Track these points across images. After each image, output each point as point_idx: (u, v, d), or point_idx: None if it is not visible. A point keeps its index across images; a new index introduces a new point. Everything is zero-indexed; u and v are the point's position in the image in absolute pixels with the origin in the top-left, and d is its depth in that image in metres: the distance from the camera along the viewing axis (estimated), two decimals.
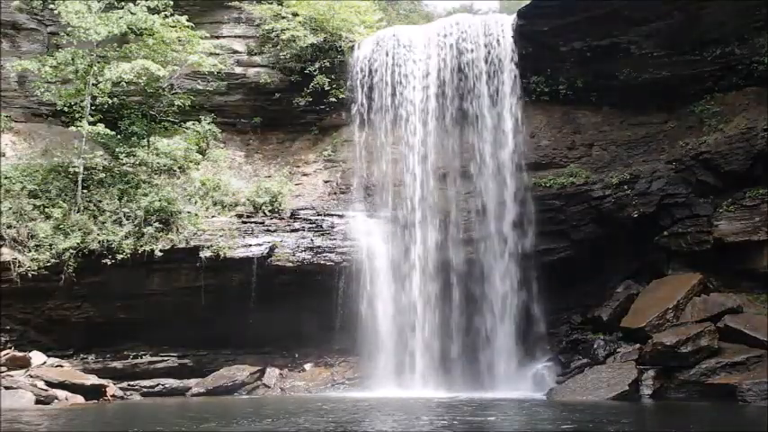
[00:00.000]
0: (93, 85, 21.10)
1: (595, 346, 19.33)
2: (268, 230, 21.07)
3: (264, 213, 21.50)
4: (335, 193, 22.51)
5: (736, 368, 16.97)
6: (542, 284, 20.39)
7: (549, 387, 18.94)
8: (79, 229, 19.86)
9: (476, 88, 21.89)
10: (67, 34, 21.27)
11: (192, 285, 20.41)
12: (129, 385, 19.99)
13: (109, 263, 19.62)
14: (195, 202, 21.43)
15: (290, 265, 20.49)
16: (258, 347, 21.25)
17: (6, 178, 20.32)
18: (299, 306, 20.56)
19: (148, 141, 21.87)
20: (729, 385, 16.33)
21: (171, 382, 20.47)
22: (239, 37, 23.98)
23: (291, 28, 22.95)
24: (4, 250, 19.38)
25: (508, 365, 20.23)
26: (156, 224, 20.27)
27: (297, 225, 21.27)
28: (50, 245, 19.58)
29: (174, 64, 21.92)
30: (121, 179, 21.31)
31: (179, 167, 21.93)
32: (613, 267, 20.93)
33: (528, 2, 22.04)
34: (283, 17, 23.31)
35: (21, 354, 18.85)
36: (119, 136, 21.94)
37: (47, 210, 20.14)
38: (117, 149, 21.73)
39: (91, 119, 20.90)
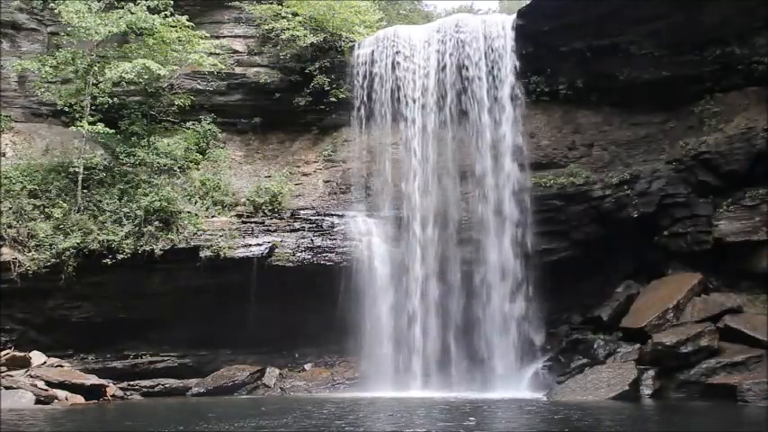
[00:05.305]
0: (93, 84, 21.11)
1: (595, 346, 19.33)
2: (268, 230, 21.08)
3: (264, 213, 21.52)
4: (335, 193, 22.51)
5: (737, 368, 16.95)
6: (542, 284, 20.37)
7: (549, 387, 18.92)
8: (79, 229, 19.87)
9: (476, 88, 21.85)
10: (68, 34, 21.30)
11: (192, 285, 20.41)
12: (129, 385, 20.03)
13: (109, 263, 19.63)
14: (195, 202, 21.45)
15: (290, 265, 20.50)
16: (258, 347, 21.27)
17: (6, 178, 20.33)
18: (298, 306, 20.55)
19: (148, 141, 21.88)
20: (729, 385, 16.30)
21: (171, 382, 20.53)
22: (239, 37, 23.99)
23: (291, 28, 22.94)
24: (5, 250, 19.39)
25: (508, 365, 20.20)
26: (157, 224, 20.27)
27: (297, 225, 21.28)
28: (50, 245, 19.61)
29: (174, 64, 21.93)
30: (121, 179, 21.32)
31: (179, 167, 21.94)
32: (613, 267, 20.94)
33: (528, 2, 22.05)
34: (283, 17, 23.29)
35: (21, 354, 18.85)
36: (119, 136, 21.95)
37: (47, 210, 20.17)
38: (117, 149, 21.79)
39: (91, 119, 20.88)
